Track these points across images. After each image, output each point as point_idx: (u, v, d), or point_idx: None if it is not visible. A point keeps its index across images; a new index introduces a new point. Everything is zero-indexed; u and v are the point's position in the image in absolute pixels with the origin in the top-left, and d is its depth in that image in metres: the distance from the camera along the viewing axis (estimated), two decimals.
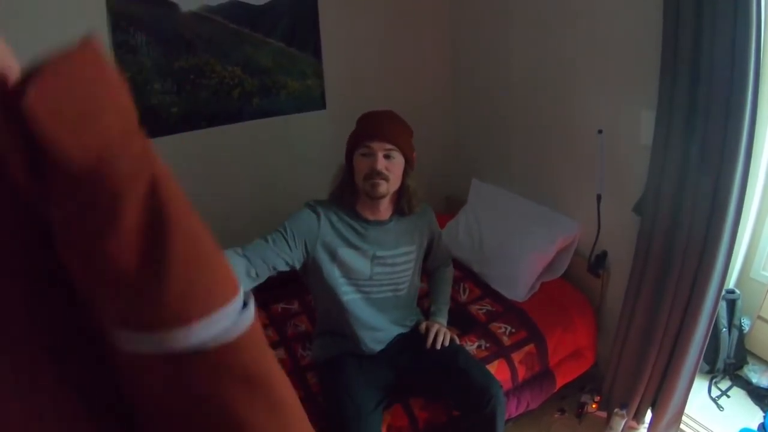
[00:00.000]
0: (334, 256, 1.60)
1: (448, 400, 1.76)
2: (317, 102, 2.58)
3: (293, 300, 2.31)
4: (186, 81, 2.28)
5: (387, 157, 1.53)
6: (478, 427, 1.67)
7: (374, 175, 1.52)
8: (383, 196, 1.57)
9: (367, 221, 1.64)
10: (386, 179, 1.53)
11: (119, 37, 2.10)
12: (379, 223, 1.65)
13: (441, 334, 1.72)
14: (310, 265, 1.61)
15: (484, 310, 2.13)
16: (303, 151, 2.43)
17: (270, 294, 2.27)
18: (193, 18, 2.22)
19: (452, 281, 1.98)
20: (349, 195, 1.62)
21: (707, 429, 1.99)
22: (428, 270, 1.95)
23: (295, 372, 1.84)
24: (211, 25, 2.25)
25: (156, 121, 2.28)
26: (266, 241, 1.49)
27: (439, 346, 1.69)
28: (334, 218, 1.61)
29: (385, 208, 1.64)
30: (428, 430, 1.75)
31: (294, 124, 2.56)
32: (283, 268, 1.51)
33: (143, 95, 2.21)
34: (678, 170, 1.62)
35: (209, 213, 2.06)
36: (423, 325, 1.77)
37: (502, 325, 2.02)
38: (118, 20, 2.08)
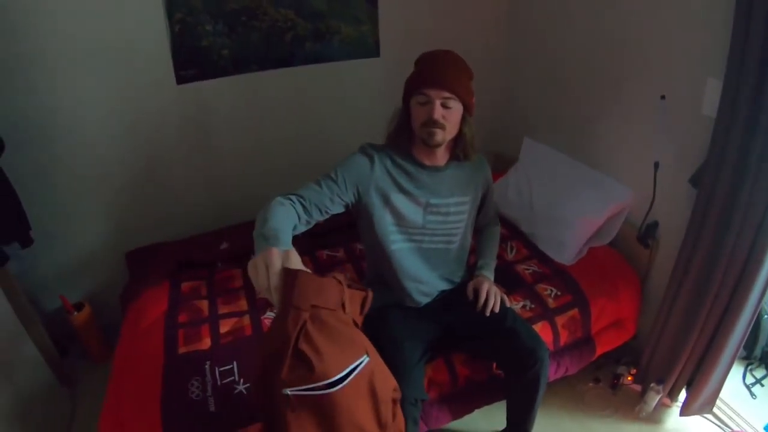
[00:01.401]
0: (386, 202, 1.59)
1: (492, 359, 1.77)
2: (371, 49, 2.53)
3: (339, 248, 2.33)
4: (237, 23, 2.26)
5: (444, 105, 1.48)
6: (520, 388, 1.68)
7: (431, 123, 1.49)
8: (439, 145, 1.55)
9: (422, 166, 1.61)
10: (443, 128, 1.50)
11: None
12: (435, 169, 1.62)
13: (492, 296, 1.68)
14: (362, 210, 1.60)
15: (530, 271, 2.12)
16: (354, 99, 2.41)
17: (316, 241, 2.30)
18: None
19: (500, 240, 1.94)
20: (405, 139, 1.60)
21: (738, 415, 1.99)
22: (477, 226, 1.89)
23: None
24: None
25: (207, 63, 2.28)
26: (319, 186, 1.48)
27: (488, 312, 1.66)
28: (389, 163, 1.59)
29: (441, 155, 1.61)
30: (468, 387, 1.76)
31: (346, 71, 2.53)
32: (337, 210, 1.52)
33: (194, 37, 2.21)
34: (742, 144, 1.53)
35: (256, 156, 2.12)
36: (471, 286, 1.74)
37: (548, 287, 2.01)
38: None
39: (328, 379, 1.05)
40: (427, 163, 1.61)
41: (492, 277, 1.77)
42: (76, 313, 2.35)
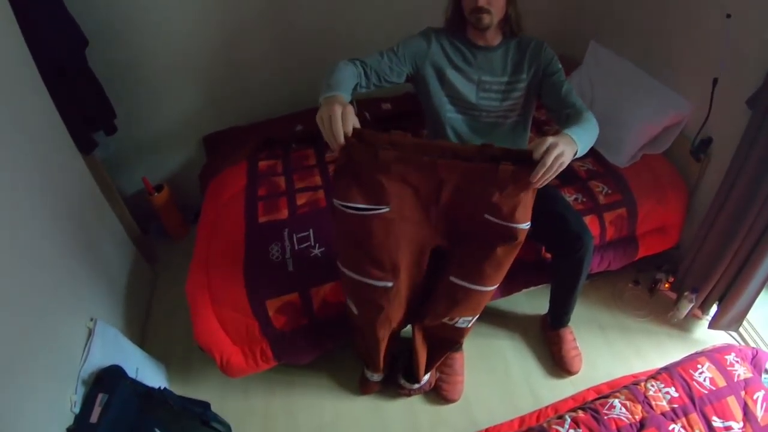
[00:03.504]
0: (441, 76, 1.73)
1: (541, 241, 1.90)
2: None
3: (408, 133, 2.39)
4: None
5: None
6: (565, 270, 1.82)
7: (477, 10, 1.61)
8: (488, 27, 1.66)
9: (476, 46, 1.73)
10: (488, 12, 1.61)
11: None
12: (488, 48, 1.73)
13: (551, 156, 1.19)
14: (420, 82, 1.75)
15: (585, 168, 2.19)
16: None
17: (385, 125, 2.42)
18: None
19: (594, 126, 1.47)
20: (458, 23, 1.73)
21: (764, 341, 2.07)
22: (559, 118, 1.64)
23: None
24: None
25: None
26: (381, 56, 1.64)
27: (538, 181, 1.24)
28: (446, 42, 1.72)
29: (492, 36, 1.72)
30: (519, 266, 1.86)
31: None
32: (395, 79, 1.67)
33: None
34: None
35: (331, 40, 2.17)
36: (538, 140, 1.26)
37: (600, 184, 2.09)
38: None
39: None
40: (481, 43, 1.73)
41: (571, 139, 1.28)
42: (156, 194, 2.56)
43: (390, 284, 1.47)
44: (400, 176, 1.30)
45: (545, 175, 1.21)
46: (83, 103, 2.12)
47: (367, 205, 1.32)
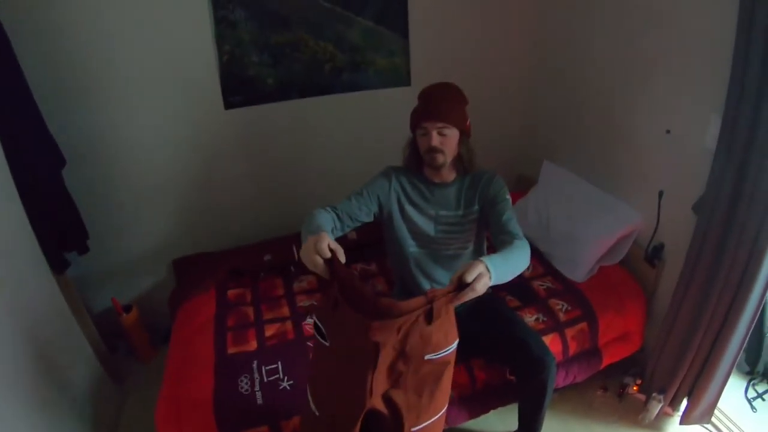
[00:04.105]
0: (403, 213, 1.86)
1: (505, 365, 1.94)
2: (403, 79, 2.73)
3: (372, 262, 2.53)
4: (281, 55, 2.47)
5: (440, 133, 1.74)
6: (530, 392, 1.84)
7: (431, 150, 1.75)
8: (442, 166, 1.80)
9: (432, 183, 1.87)
10: (442, 152, 1.75)
11: (220, 13, 2.30)
12: (444, 185, 1.87)
13: (473, 273, 1.25)
14: (385, 218, 1.87)
15: (544, 287, 2.27)
16: (387, 123, 2.59)
17: (351, 254, 2.38)
18: None
19: (521, 253, 1.52)
20: (416, 162, 1.87)
21: (738, 427, 2.07)
22: (497, 243, 1.67)
23: None
24: (306, 3, 2.42)
25: (253, 91, 2.49)
26: (350, 200, 1.77)
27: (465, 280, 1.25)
28: (404, 180, 1.87)
29: (447, 173, 1.86)
30: (485, 390, 1.93)
31: (380, 98, 2.73)
32: (365, 218, 1.79)
33: (241, 67, 2.42)
34: (736, 177, 1.68)
35: (299, 173, 2.37)
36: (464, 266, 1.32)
37: (560, 302, 2.16)
38: None
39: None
40: (437, 180, 1.87)
41: (491, 266, 1.30)
42: (125, 314, 2.54)
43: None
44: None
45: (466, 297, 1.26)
46: (58, 223, 2.15)
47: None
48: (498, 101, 3.01)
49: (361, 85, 2.69)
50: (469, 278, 1.24)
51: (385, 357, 1.23)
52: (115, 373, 2.49)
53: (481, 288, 1.25)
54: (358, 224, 1.78)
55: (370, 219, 1.82)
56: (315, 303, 2.23)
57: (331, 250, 1.30)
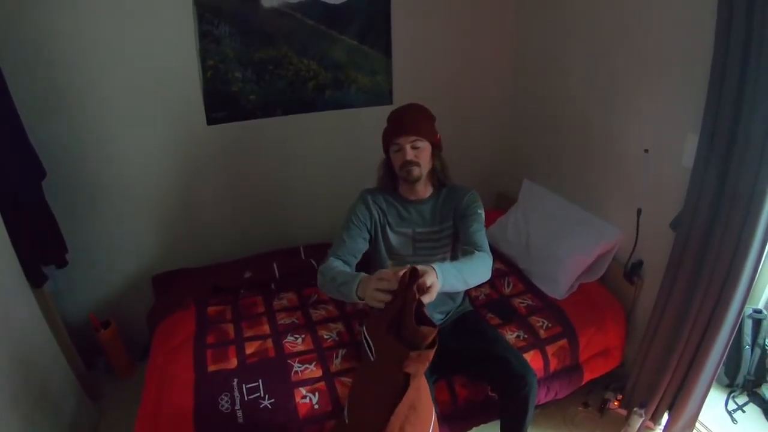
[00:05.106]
0: (383, 234, 1.90)
1: (487, 382, 1.94)
2: (385, 97, 2.77)
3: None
4: (265, 71, 2.48)
5: (414, 147, 1.79)
6: (512, 409, 1.84)
7: (407, 164, 1.80)
8: (419, 179, 1.84)
9: (408, 201, 1.91)
10: (417, 165, 1.81)
11: (204, 28, 2.31)
12: (420, 201, 1.91)
13: (429, 281, 1.35)
14: (372, 241, 1.92)
15: (525, 304, 2.29)
16: (370, 141, 2.58)
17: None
18: (273, 13, 2.41)
19: (478, 264, 1.66)
20: (391, 181, 1.92)
21: None
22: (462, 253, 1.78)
23: (352, 344, 2.05)
24: (290, 21, 2.44)
25: (236, 107, 2.50)
26: (343, 240, 1.82)
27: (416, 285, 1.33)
28: (381, 200, 1.91)
29: (422, 188, 1.91)
30: (467, 407, 1.93)
31: (363, 116, 2.76)
32: (362, 247, 1.87)
33: (225, 83, 2.43)
34: (714, 194, 1.72)
35: (281, 191, 2.38)
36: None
37: (541, 319, 2.17)
38: (204, 12, 2.29)
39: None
40: (412, 198, 1.91)
41: (440, 272, 1.43)
42: (103, 330, 2.50)
43: None
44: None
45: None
46: (36, 235, 2.12)
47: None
48: (478, 120, 3.07)
49: (344, 103, 2.71)
50: (430, 282, 1.35)
51: (411, 392, 1.30)
52: (92, 390, 2.45)
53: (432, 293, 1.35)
54: (360, 257, 1.84)
55: (367, 245, 1.88)
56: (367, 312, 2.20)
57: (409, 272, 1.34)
